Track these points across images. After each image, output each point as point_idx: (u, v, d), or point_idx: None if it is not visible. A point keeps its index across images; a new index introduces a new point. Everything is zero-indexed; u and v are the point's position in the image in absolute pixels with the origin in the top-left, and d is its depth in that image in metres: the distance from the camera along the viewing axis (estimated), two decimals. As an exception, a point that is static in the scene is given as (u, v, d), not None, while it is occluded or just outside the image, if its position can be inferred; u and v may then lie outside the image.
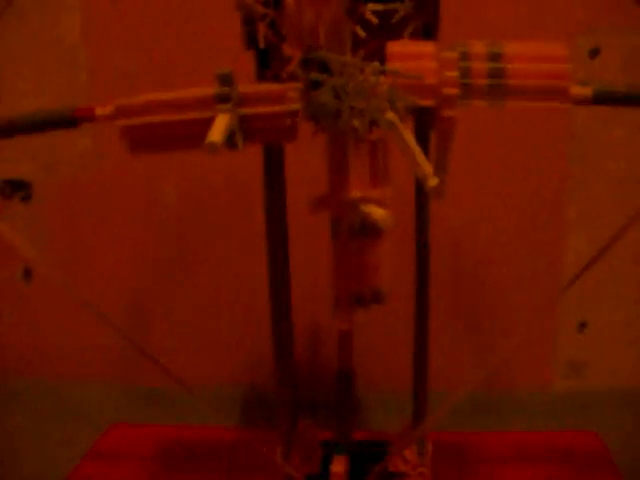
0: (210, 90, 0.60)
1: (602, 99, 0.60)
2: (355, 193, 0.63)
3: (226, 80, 0.59)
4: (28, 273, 1.30)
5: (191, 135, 0.60)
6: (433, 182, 0.53)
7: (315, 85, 0.58)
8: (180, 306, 1.25)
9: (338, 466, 0.80)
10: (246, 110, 0.60)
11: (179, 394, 1.25)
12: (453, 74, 0.58)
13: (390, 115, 0.56)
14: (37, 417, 1.23)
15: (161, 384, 1.28)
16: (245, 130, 0.61)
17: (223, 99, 0.59)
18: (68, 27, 1.18)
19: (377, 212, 0.61)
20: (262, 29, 0.65)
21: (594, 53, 1.09)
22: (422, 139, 0.71)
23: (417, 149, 0.54)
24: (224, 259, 1.23)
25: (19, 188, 1.27)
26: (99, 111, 0.64)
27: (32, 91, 1.21)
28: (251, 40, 0.66)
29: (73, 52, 1.18)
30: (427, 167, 0.54)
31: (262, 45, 0.66)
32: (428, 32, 0.66)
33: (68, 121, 0.65)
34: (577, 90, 0.59)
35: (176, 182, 1.21)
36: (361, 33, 0.62)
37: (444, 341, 0.96)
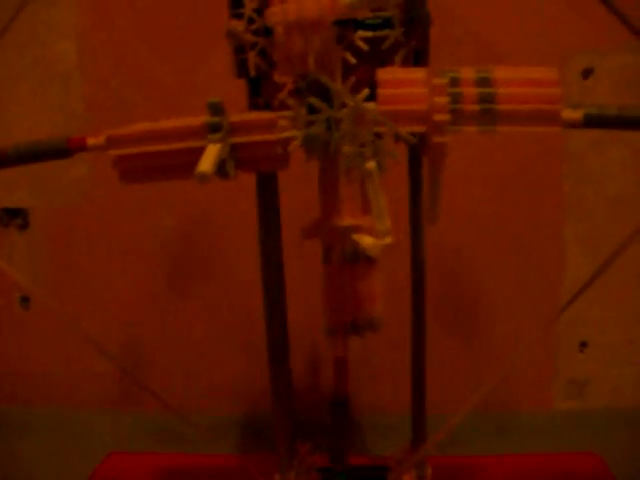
0: (201, 120, 0.60)
1: (593, 122, 0.60)
2: (346, 221, 0.63)
3: (217, 109, 0.59)
4: (25, 300, 1.30)
5: (182, 165, 0.60)
6: (387, 240, 0.54)
7: (311, 111, 0.59)
8: (177, 333, 1.24)
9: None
10: (237, 139, 0.61)
11: (178, 422, 1.26)
12: (443, 100, 0.59)
13: (371, 164, 0.56)
14: (35, 445, 1.22)
15: (160, 412, 1.28)
16: (237, 159, 0.61)
17: (214, 128, 0.59)
18: (64, 55, 1.18)
19: (367, 240, 0.61)
20: (252, 57, 0.65)
21: (587, 73, 1.09)
22: (415, 164, 0.71)
23: (382, 204, 0.55)
24: (221, 285, 1.23)
25: (16, 216, 1.27)
26: (91, 141, 0.65)
27: (27, 118, 1.21)
28: (242, 68, 0.67)
29: (69, 80, 1.19)
30: (386, 223, 0.54)
31: (253, 73, 0.66)
32: (418, 58, 0.66)
33: (61, 151, 0.66)
34: (568, 114, 0.59)
35: (173, 208, 1.21)
36: (351, 60, 0.62)
37: (442, 363, 0.96)
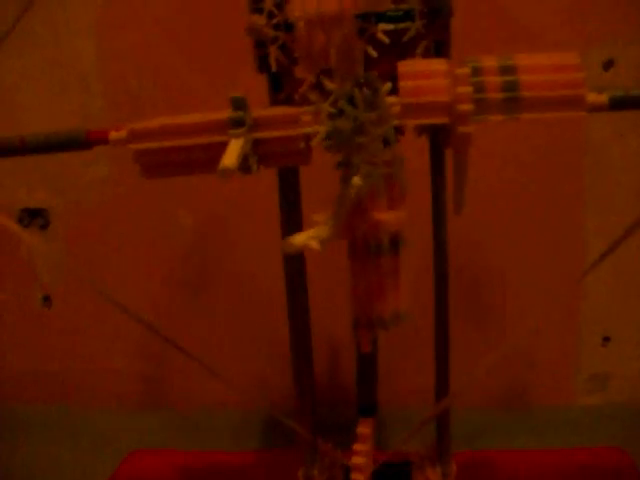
0: (223, 114, 0.60)
1: (618, 104, 0.59)
2: (371, 214, 0.62)
3: (239, 104, 0.59)
4: (47, 299, 1.31)
5: (205, 159, 0.60)
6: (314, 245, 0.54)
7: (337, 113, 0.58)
8: (197, 329, 1.24)
9: (364, 428, 0.79)
10: (260, 134, 0.60)
11: (198, 418, 1.26)
12: (466, 90, 0.58)
13: (356, 180, 0.56)
14: (56, 444, 1.23)
15: (180, 409, 1.28)
16: (259, 154, 0.61)
17: (237, 123, 0.59)
18: (83, 52, 1.19)
19: (297, 237, 0.60)
20: (273, 52, 0.65)
21: (608, 65, 1.08)
22: (437, 156, 0.71)
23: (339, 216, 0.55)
24: (242, 281, 1.23)
25: (36, 216, 1.28)
26: (113, 134, 0.64)
27: (46, 115, 1.22)
28: (263, 63, 0.66)
29: (88, 77, 1.19)
30: (327, 233, 0.55)
31: (274, 68, 0.66)
32: (440, 50, 0.65)
33: (81, 143, 0.66)
34: (593, 97, 0.59)
35: (192, 205, 1.22)
36: (373, 53, 0.62)
37: (464, 356, 0.95)
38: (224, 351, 1.24)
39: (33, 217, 1.28)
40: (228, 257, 1.23)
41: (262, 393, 1.23)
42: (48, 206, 1.28)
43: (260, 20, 0.64)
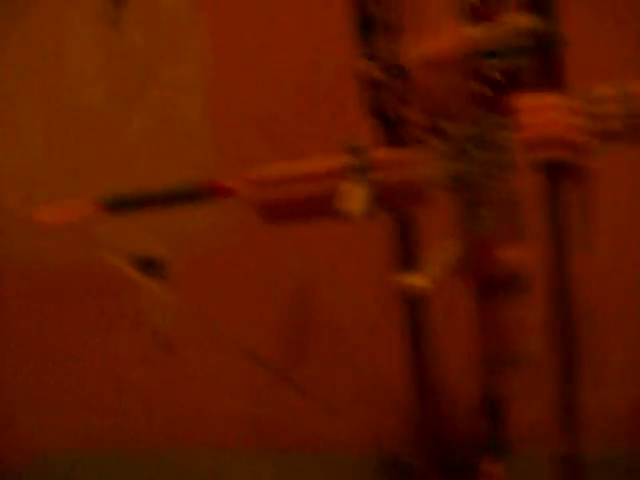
0: (342, 160, 0.61)
1: None
2: (495, 252, 0.62)
3: (357, 150, 0.60)
4: (168, 346, 1.34)
5: (324, 205, 0.61)
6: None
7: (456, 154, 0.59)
8: (311, 372, 1.25)
9: (493, 468, 0.78)
10: (378, 178, 0.61)
11: (311, 461, 1.26)
12: (584, 122, 0.57)
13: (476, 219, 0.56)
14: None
15: (294, 452, 1.28)
16: (377, 197, 0.62)
17: (355, 169, 0.60)
18: (194, 108, 1.23)
19: (412, 279, 0.60)
20: (385, 95, 0.66)
21: None
22: (557, 192, 0.69)
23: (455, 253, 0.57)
24: (355, 324, 1.23)
25: (154, 265, 1.32)
26: (232, 185, 0.66)
27: (161, 168, 1.27)
28: (374, 107, 0.67)
29: (200, 132, 1.24)
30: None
31: (386, 111, 0.67)
32: (554, 83, 0.65)
33: (203, 194, 0.68)
34: None
35: (301, 252, 1.23)
36: (487, 92, 0.62)
37: (593, 396, 0.91)
38: (338, 395, 1.24)
39: (150, 266, 1.32)
40: (339, 301, 1.23)
41: (379, 436, 1.22)
42: (164, 256, 1.32)
43: (370, 66, 0.65)
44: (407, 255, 0.74)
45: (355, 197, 0.56)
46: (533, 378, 1.05)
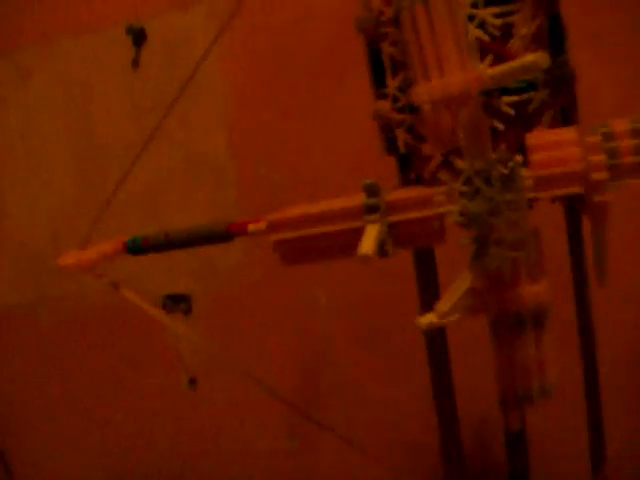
0: (358, 201, 0.61)
1: None
2: (512, 288, 0.62)
3: (373, 190, 0.60)
4: (193, 382, 1.35)
5: (341, 245, 0.62)
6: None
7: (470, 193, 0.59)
8: (337, 404, 1.25)
9: None
10: (394, 218, 0.62)
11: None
12: (599, 157, 0.57)
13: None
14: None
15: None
16: (394, 236, 0.62)
17: (371, 209, 0.60)
18: (215, 145, 1.25)
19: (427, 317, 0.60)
20: (401, 135, 0.67)
21: None
22: (574, 225, 0.69)
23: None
24: (382, 359, 1.23)
25: (180, 302, 1.34)
26: (252, 227, 0.67)
27: (184, 207, 1.28)
28: (391, 145, 0.68)
29: (221, 168, 1.25)
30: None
31: (402, 149, 0.67)
32: (567, 117, 0.65)
33: (222, 236, 0.69)
34: None
35: (328, 287, 1.24)
36: (499, 126, 0.62)
37: (619, 425, 0.90)
38: (369, 427, 1.24)
39: (176, 303, 1.34)
40: (364, 335, 1.24)
41: (410, 468, 1.21)
42: (190, 292, 1.33)
43: (385, 105, 0.66)
44: (429, 291, 0.74)
45: (368, 238, 0.57)
46: (559, 413, 1.04)
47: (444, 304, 0.60)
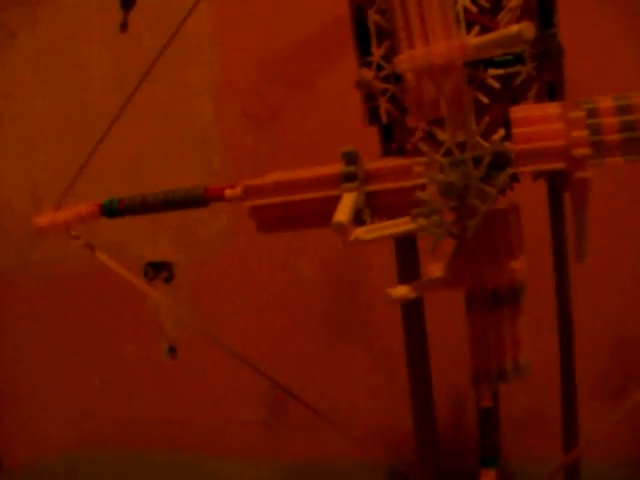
0: (336, 169, 0.60)
1: None
2: (491, 263, 0.61)
3: (351, 158, 0.59)
4: (172, 350, 1.35)
5: (318, 214, 0.61)
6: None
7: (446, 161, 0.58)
8: (317, 381, 1.25)
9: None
10: (372, 187, 0.61)
11: (319, 468, 1.25)
12: (582, 133, 0.56)
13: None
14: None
15: (302, 458, 1.28)
16: (372, 206, 0.61)
17: (349, 177, 0.59)
18: (201, 112, 1.24)
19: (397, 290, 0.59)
20: (383, 104, 0.65)
21: None
22: (555, 202, 0.69)
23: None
24: (362, 331, 1.22)
25: (161, 269, 1.33)
26: (228, 192, 0.66)
27: (168, 174, 1.27)
28: (373, 116, 0.67)
29: (207, 136, 1.24)
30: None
31: (384, 120, 0.66)
32: (553, 92, 0.64)
33: (199, 201, 0.68)
34: None
35: (312, 257, 1.23)
36: (484, 99, 0.61)
37: (592, 406, 0.90)
38: (344, 401, 1.24)
39: (158, 270, 1.33)
40: (349, 308, 1.23)
41: (384, 445, 1.21)
42: (172, 259, 1.32)
43: (369, 73, 0.65)
44: (409, 266, 0.73)
45: (344, 206, 0.56)
46: (534, 390, 1.05)
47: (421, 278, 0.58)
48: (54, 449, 1.43)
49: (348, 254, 1.19)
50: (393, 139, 0.69)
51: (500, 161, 0.57)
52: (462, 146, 0.57)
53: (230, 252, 1.28)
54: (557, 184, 0.66)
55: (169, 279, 1.33)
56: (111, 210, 0.71)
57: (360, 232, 0.56)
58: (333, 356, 1.25)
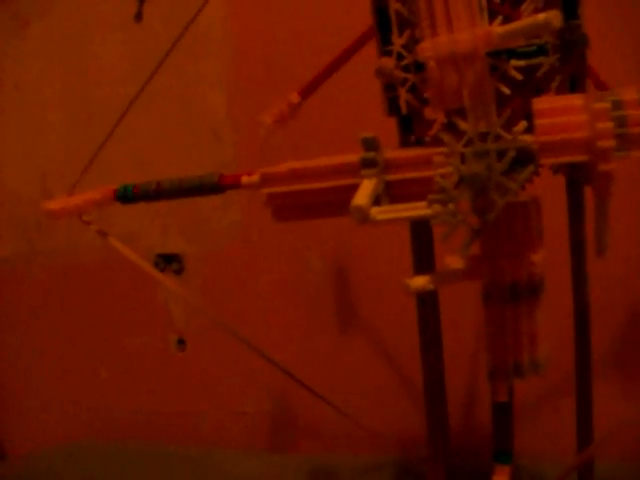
0: (355, 156, 0.59)
1: None
2: (508, 257, 0.60)
3: (371, 145, 0.59)
4: (182, 342, 1.35)
5: (336, 202, 0.60)
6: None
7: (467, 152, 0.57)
8: (328, 373, 1.24)
9: (501, 476, 0.75)
10: (392, 176, 0.60)
11: (327, 462, 1.25)
12: (608, 125, 0.55)
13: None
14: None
15: (309, 452, 1.27)
16: (391, 195, 0.60)
17: (368, 164, 0.59)
18: (214, 104, 1.23)
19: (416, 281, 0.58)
20: (403, 94, 0.65)
21: None
22: (575, 195, 0.68)
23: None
24: (372, 325, 1.22)
25: (172, 261, 1.32)
26: (245, 179, 0.66)
27: (179, 165, 1.26)
28: (392, 106, 0.66)
29: (219, 128, 1.23)
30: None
31: (404, 110, 0.65)
32: (576, 84, 0.63)
33: (214, 187, 0.67)
34: None
35: (322, 249, 1.22)
36: (505, 91, 0.60)
37: (609, 406, 0.89)
38: (356, 395, 1.23)
39: (168, 262, 1.33)
40: (358, 301, 1.23)
41: (394, 439, 1.20)
42: (183, 251, 1.32)
43: (389, 62, 0.64)
44: (425, 258, 0.72)
45: (363, 191, 0.55)
46: (550, 386, 1.04)
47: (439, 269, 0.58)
48: (59, 440, 1.42)
49: (359, 246, 1.18)
50: (412, 131, 0.68)
51: (524, 156, 0.56)
52: (483, 137, 0.56)
53: (241, 244, 1.27)
54: (577, 178, 0.65)
55: (179, 271, 1.32)
56: (125, 195, 0.70)
57: (374, 212, 0.55)
58: (343, 348, 1.24)
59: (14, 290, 1.46)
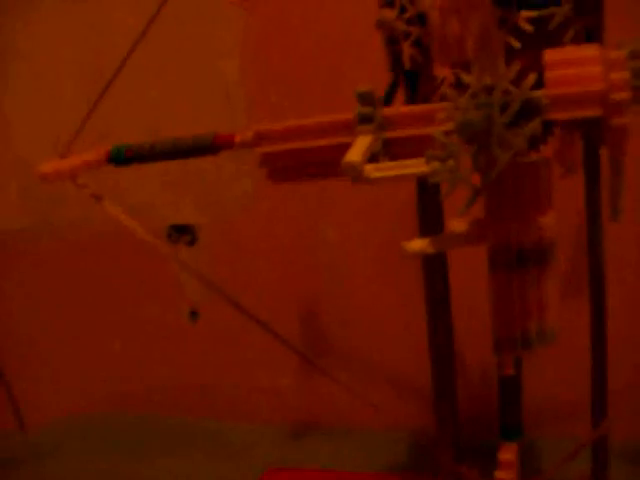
0: (350, 113, 0.56)
1: None
2: (514, 219, 0.56)
3: (367, 99, 0.55)
4: (194, 314, 1.33)
5: (332, 162, 0.57)
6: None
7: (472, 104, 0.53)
8: (340, 345, 1.22)
9: (507, 454, 0.72)
10: (391, 133, 0.56)
11: (341, 437, 1.23)
12: (623, 75, 0.51)
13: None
14: (197, 456, 1.24)
15: (324, 427, 1.26)
16: (391, 154, 0.57)
17: (364, 119, 0.55)
18: (226, 70, 1.21)
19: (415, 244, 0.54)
20: (406, 49, 0.61)
21: None
22: (591, 156, 0.64)
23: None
24: (386, 297, 1.19)
25: (184, 232, 1.30)
26: (239, 138, 0.63)
27: (191, 130, 1.24)
28: (396, 62, 0.62)
29: (231, 93, 1.21)
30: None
31: (408, 66, 0.62)
32: (591, 36, 0.59)
33: (208, 147, 0.64)
34: None
35: (335, 219, 1.20)
36: (515, 44, 0.56)
37: (623, 379, 0.85)
38: (367, 370, 1.21)
39: (181, 233, 1.31)
40: (373, 272, 1.20)
41: (407, 416, 1.18)
42: (195, 222, 1.30)
43: (390, 13, 0.60)
44: (430, 219, 0.69)
45: (357, 148, 0.52)
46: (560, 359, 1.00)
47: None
48: (74, 411, 1.42)
49: (371, 217, 1.15)
50: (417, 89, 0.64)
51: (530, 109, 0.52)
52: (489, 90, 0.52)
53: (254, 215, 1.25)
54: (592, 136, 0.61)
55: (192, 242, 1.30)
56: (118, 157, 0.67)
57: (369, 169, 0.52)
58: (356, 321, 1.22)
59: (28, 262, 1.45)
